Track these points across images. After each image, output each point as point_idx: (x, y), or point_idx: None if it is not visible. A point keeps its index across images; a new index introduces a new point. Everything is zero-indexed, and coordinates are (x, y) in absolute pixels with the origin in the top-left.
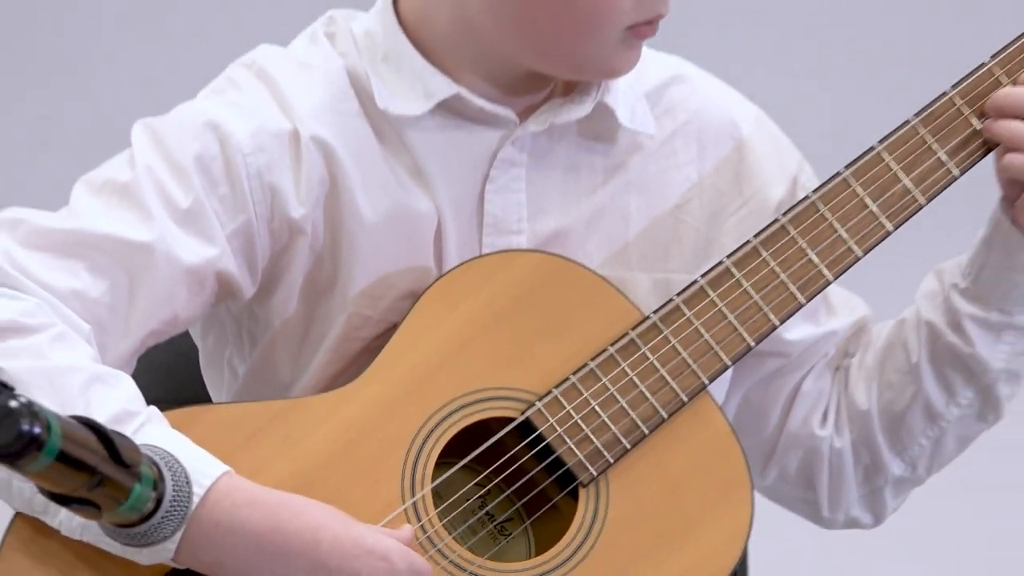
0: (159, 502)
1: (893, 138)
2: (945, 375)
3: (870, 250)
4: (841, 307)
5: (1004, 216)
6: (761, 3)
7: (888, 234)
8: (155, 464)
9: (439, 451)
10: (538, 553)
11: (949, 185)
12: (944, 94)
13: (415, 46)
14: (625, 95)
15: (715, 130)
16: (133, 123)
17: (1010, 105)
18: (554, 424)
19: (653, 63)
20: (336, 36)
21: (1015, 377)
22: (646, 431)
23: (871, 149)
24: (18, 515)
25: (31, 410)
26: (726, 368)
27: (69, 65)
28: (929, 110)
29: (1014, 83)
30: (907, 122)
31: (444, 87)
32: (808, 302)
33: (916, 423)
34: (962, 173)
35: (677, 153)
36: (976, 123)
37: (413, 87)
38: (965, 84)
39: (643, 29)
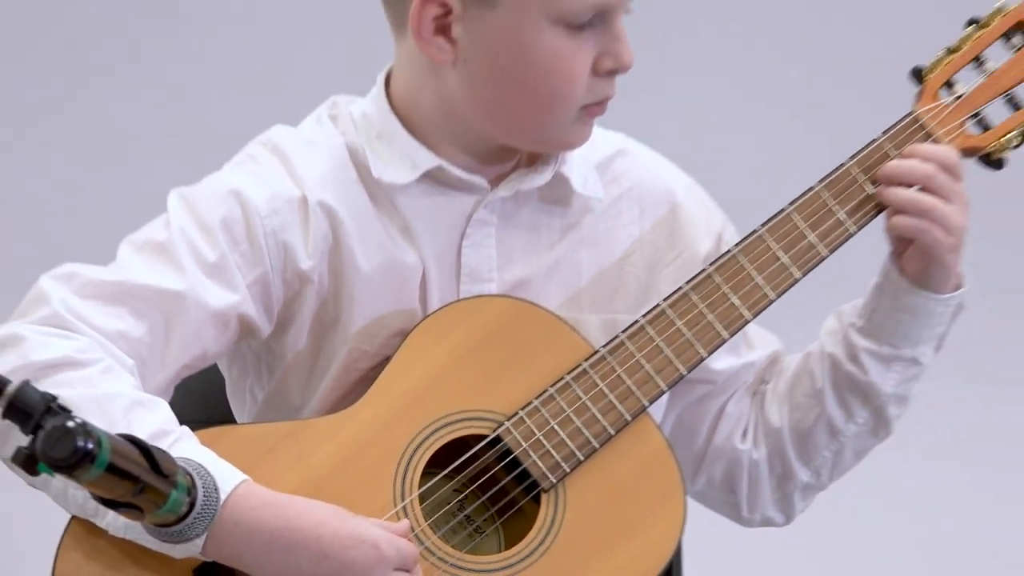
0: (192, 505)
1: (801, 201)
2: (844, 398)
3: (782, 294)
4: (758, 342)
5: (893, 267)
6: (695, 83)
7: (797, 281)
8: (189, 474)
9: (425, 463)
10: (507, 548)
11: (847, 240)
12: (843, 165)
13: (403, 125)
14: (578, 166)
15: (654, 196)
16: (169, 190)
17: (897, 175)
18: (520, 440)
19: (601, 139)
20: (338, 118)
21: (902, 400)
22: (597, 445)
23: (782, 210)
24: (73, 518)
25: (85, 429)
26: (663, 393)
27: (126, 150)
28: (831, 177)
29: (900, 156)
30: (812, 188)
31: (428, 160)
32: (731, 337)
33: (820, 438)
34: (858, 230)
35: (622, 214)
36: (869, 189)
37: (402, 160)
38: (860, 156)
39: (594, 109)
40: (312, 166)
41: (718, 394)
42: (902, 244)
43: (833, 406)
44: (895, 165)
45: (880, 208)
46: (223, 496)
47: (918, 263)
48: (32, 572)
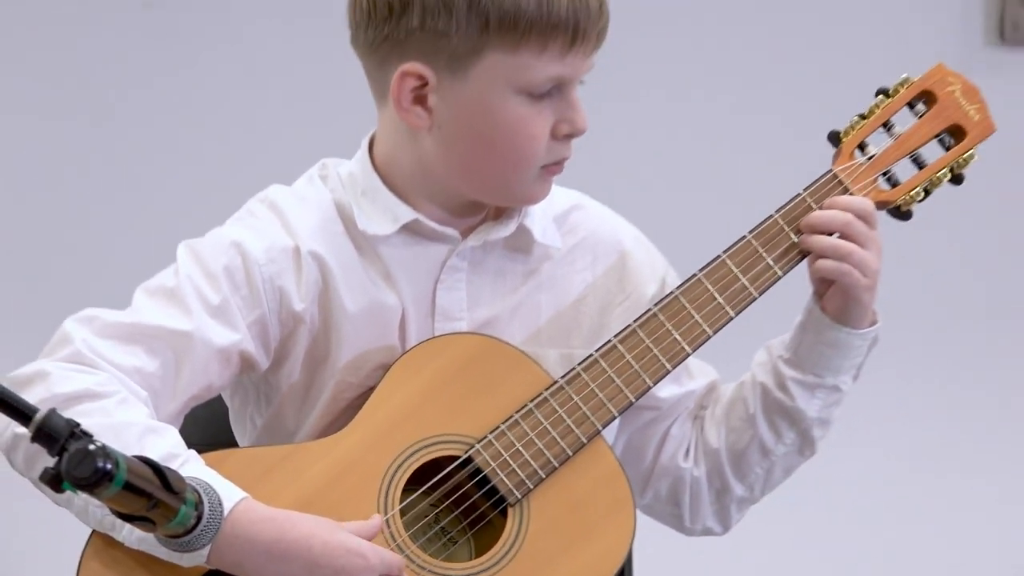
0: (199, 519)
1: (734, 248)
2: (774, 422)
3: (719, 330)
4: (698, 373)
5: (815, 306)
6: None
7: (731, 319)
8: (196, 491)
9: (405, 480)
10: (478, 556)
11: (775, 282)
12: (770, 216)
13: (384, 183)
14: (539, 218)
15: (605, 245)
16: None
17: (819, 224)
18: (489, 460)
19: (559, 195)
20: (327, 177)
21: (825, 423)
22: (556, 464)
23: (718, 257)
24: (94, 532)
25: (104, 451)
26: (615, 418)
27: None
28: (760, 228)
29: (821, 207)
30: (743, 237)
31: (406, 214)
32: (674, 369)
33: (753, 457)
34: (784, 274)
35: (576, 261)
36: (794, 237)
37: (384, 214)
38: (785, 208)
39: (553, 168)
40: (304, 220)
41: (663, 419)
42: (823, 285)
43: (764, 429)
44: (818, 215)
45: (803, 254)
46: (225, 512)
47: (838, 302)
48: (32, 572)
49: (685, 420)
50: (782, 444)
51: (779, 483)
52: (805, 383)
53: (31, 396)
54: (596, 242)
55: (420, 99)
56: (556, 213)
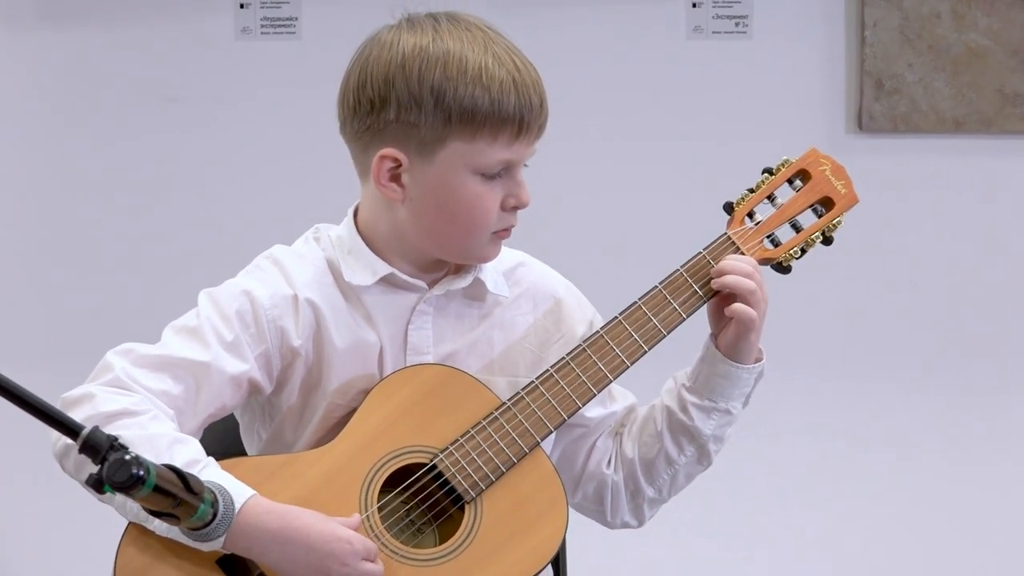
0: (215, 515)
1: (647, 296)
2: (677, 438)
3: (635, 362)
4: (619, 397)
5: (711, 343)
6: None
7: (645, 352)
8: (213, 492)
9: (382, 482)
10: (441, 543)
11: (680, 323)
12: (676, 270)
13: (366, 244)
14: (491, 272)
15: (543, 294)
16: (199, 292)
17: (729, 267)
18: (450, 466)
19: (507, 254)
20: (320, 239)
21: (719, 440)
22: (504, 470)
23: (634, 303)
24: (130, 523)
25: (138, 460)
26: (551, 432)
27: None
28: (668, 279)
29: (716, 262)
30: (655, 287)
31: (384, 268)
32: (599, 393)
33: (660, 466)
34: (688, 316)
35: (521, 307)
36: (696, 287)
37: (365, 268)
38: (689, 264)
39: (502, 234)
40: (301, 273)
41: (590, 434)
42: (719, 327)
43: (669, 443)
44: (733, 264)
45: (703, 300)
46: (237, 507)
47: (730, 341)
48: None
49: (608, 435)
50: (683, 456)
51: (683, 487)
52: (702, 407)
53: (80, 413)
54: (536, 292)
55: (395, 177)
56: (504, 268)
